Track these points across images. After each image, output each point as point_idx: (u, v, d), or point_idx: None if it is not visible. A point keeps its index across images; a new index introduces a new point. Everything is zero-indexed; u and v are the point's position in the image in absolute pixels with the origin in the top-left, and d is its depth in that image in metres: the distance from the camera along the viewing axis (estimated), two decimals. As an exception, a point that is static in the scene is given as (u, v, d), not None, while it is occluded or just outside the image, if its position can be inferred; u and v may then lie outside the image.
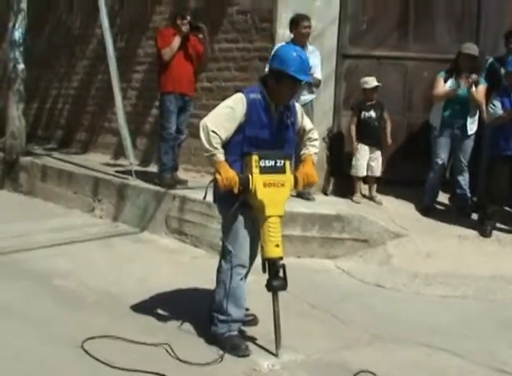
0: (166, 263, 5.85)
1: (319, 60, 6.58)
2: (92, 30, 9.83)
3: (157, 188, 7.05)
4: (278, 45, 6.64)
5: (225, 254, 4.09)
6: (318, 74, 6.53)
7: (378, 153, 6.92)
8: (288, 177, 4.01)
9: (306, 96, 6.56)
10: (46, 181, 8.55)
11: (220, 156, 3.88)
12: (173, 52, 6.92)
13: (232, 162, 3.92)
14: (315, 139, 4.27)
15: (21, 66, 9.08)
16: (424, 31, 7.32)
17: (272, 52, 6.46)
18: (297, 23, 6.60)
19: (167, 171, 7.12)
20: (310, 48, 6.61)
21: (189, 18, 6.98)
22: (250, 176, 3.88)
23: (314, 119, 6.41)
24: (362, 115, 6.90)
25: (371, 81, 6.83)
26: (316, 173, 4.22)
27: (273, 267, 3.96)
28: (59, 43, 10.78)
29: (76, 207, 7.88)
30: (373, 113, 6.88)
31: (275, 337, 3.98)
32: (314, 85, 6.58)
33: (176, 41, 6.92)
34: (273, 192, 3.92)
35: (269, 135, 3.97)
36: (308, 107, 6.51)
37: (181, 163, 7.52)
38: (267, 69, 6.42)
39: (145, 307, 4.62)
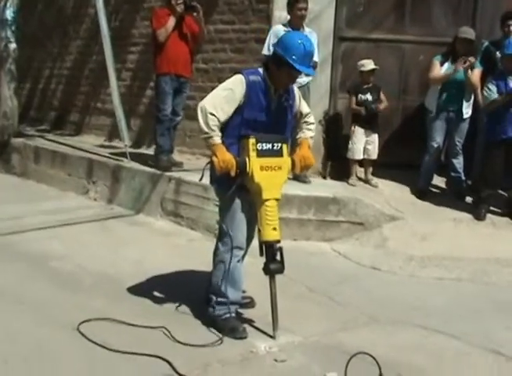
0: (162, 246, 5.85)
1: (316, 43, 6.51)
2: (86, 9, 9.73)
3: (152, 170, 7.02)
4: (274, 27, 6.66)
5: (222, 236, 4.09)
6: (315, 56, 6.46)
7: (375, 137, 6.90)
8: (285, 160, 4.00)
9: (303, 79, 6.50)
10: (39, 163, 8.50)
11: (217, 138, 3.86)
12: (168, 33, 6.85)
13: (229, 145, 3.91)
14: (312, 123, 4.27)
15: (13, 45, 9.02)
16: (421, 14, 7.29)
17: (269, 33, 6.55)
18: (293, 4, 6.55)
19: (163, 153, 7.08)
20: (307, 30, 6.57)
21: None
22: (247, 159, 3.87)
23: (310, 102, 6.40)
24: (359, 98, 6.88)
25: (368, 64, 6.81)
26: (313, 156, 4.20)
27: (270, 250, 3.96)
28: (51, 22, 10.65)
29: (70, 190, 7.84)
30: (369, 96, 6.85)
31: (273, 319, 3.98)
32: (311, 68, 6.55)
33: (171, 22, 6.86)
34: (270, 175, 3.92)
35: (267, 117, 3.95)
36: (305, 90, 6.48)
37: (176, 145, 7.48)
38: (263, 51, 6.49)
39: (141, 289, 4.61)
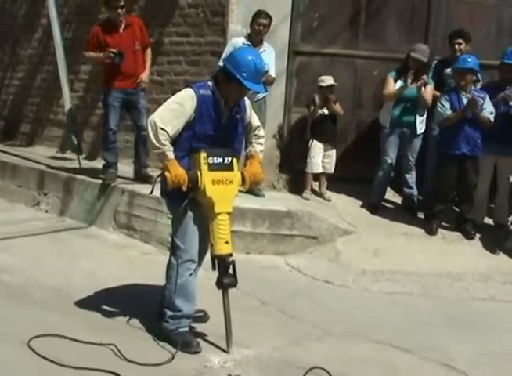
0: (115, 259, 5.76)
1: (273, 58, 6.55)
2: (38, 19, 9.56)
3: (105, 182, 6.94)
4: (233, 39, 6.65)
5: (174, 249, 4.07)
6: (272, 71, 6.50)
7: (333, 151, 6.92)
8: (236, 174, 4.02)
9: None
10: (-12, 173, 8.31)
11: (169, 153, 3.86)
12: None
13: (180, 158, 3.91)
14: (262, 137, 4.29)
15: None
16: (374, 30, 7.39)
17: (227, 45, 6.55)
18: (254, 18, 6.57)
19: (109, 167, 6.95)
20: (265, 45, 6.59)
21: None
22: (198, 173, 3.87)
23: (266, 115, 6.44)
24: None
25: (327, 80, 6.81)
26: (263, 170, 4.23)
27: (223, 264, 3.96)
28: (3, 31, 10.47)
29: (20, 201, 7.66)
30: (326, 111, 6.87)
31: (226, 333, 3.97)
32: (268, 83, 6.54)
33: (95, 56, 6.82)
34: (222, 189, 3.93)
35: (218, 131, 3.95)
36: (261, 104, 6.50)
37: (127, 158, 7.35)
38: (220, 62, 6.48)
39: (94, 303, 4.54)
